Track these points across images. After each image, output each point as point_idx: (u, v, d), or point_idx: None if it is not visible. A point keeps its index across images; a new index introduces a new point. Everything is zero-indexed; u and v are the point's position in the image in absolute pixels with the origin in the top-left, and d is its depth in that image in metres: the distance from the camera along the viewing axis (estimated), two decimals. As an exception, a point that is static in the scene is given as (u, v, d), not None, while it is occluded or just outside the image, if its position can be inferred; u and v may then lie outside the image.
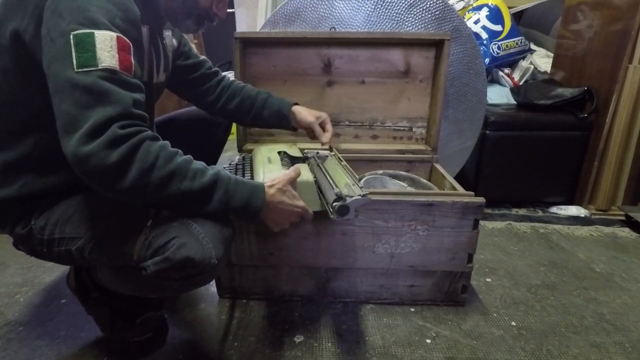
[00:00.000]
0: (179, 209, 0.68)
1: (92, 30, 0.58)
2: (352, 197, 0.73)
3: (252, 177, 0.92)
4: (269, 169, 0.90)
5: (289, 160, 1.01)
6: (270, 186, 0.74)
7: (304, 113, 1.07)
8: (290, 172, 0.80)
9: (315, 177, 0.89)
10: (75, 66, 0.57)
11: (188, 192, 0.63)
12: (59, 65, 0.57)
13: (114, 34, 0.59)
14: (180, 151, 0.66)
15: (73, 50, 0.57)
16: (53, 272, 1.19)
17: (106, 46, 0.58)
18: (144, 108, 0.64)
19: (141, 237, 0.67)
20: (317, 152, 1.08)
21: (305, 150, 1.11)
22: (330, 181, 0.84)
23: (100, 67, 0.58)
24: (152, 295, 0.80)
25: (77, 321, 0.97)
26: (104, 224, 0.71)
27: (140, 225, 0.68)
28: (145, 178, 0.60)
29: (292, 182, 0.79)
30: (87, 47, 0.57)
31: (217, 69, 1.09)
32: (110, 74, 0.59)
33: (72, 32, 0.57)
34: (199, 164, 0.66)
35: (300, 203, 0.79)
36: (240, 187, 0.69)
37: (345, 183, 0.83)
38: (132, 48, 0.63)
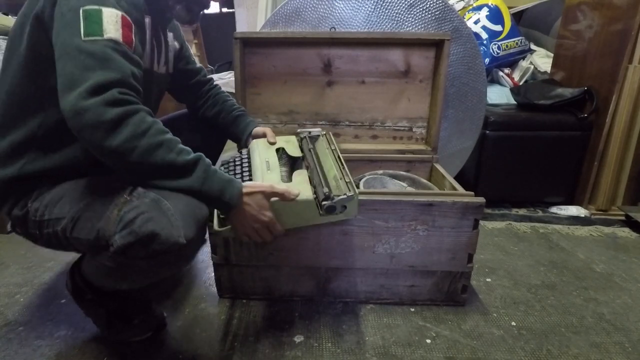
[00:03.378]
0: (157, 179, 0.69)
1: (100, 7, 0.65)
2: (338, 196, 0.80)
3: (250, 179, 0.92)
4: (269, 177, 0.89)
5: (288, 160, 1.01)
6: (244, 189, 0.76)
7: (260, 129, 1.11)
8: (276, 185, 0.80)
9: (310, 175, 0.90)
10: (82, 35, 0.63)
11: (171, 164, 0.67)
12: (66, 34, 0.63)
13: (119, 12, 0.66)
14: (169, 131, 0.69)
15: (81, 21, 0.63)
16: (53, 272, 1.19)
17: (112, 20, 0.65)
18: (140, 83, 0.69)
19: (114, 212, 0.68)
20: (309, 132, 1.09)
21: (298, 131, 1.11)
22: (321, 176, 0.88)
23: (105, 37, 0.64)
24: (128, 283, 0.80)
25: (77, 321, 0.97)
26: (84, 202, 0.72)
27: (115, 201, 0.69)
28: (135, 141, 0.63)
29: (268, 195, 0.78)
30: (94, 19, 0.63)
31: (211, 77, 1.16)
32: (114, 44, 0.64)
33: (82, 7, 0.63)
34: (185, 146, 0.70)
35: (268, 214, 0.78)
36: (218, 174, 0.73)
37: (333, 175, 0.87)
38: (134, 27, 0.69)
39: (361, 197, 0.92)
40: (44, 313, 1.01)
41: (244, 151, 1.05)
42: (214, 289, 1.07)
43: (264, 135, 1.08)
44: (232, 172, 0.96)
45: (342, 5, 1.36)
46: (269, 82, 1.31)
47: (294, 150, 1.04)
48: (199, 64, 1.13)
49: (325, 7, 1.36)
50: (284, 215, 0.81)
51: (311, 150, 1.00)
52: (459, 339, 0.93)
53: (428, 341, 0.92)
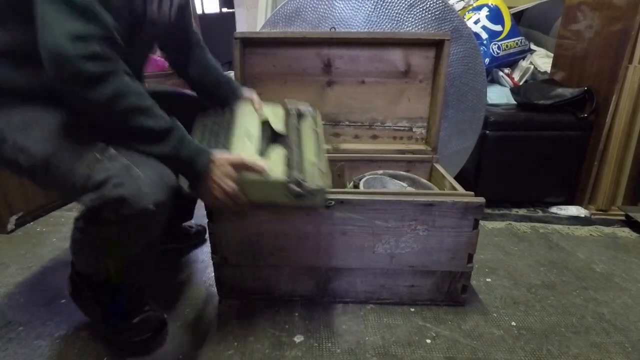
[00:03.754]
0: (131, 140, 0.71)
1: None
2: (309, 186, 0.82)
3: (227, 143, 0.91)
4: (246, 148, 0.89)
5: (270, 134, 0.99)
6: (212, 157, 0.78)
7: (247, 92, 1.09)
8: (245, 157, 0.80)
9: (288, 156, 0.90)
10: None
11: (148, 129, 0.70)
12: None
13: None
14: (146, 93, 0.70)
15: None
16: (53, 272, 1.19)
17: None
18: (120, 35, 0.68)
19: (84, 166, 0.68)
20: (299, 109, 1.08)
21: (288, 106, 1.11)
22: (298, 158, 0.89)
23: None
24: (111, 257, 0.80)
25: (77, 321, 0.97)
26: (56, 145, 0.71)
27: (85, 156, 0.69)
28: (112, 102, 0.65)
29: (236, 165, 0.79)
30: None
31: (203, 44, 1.11)
32: None
33: None
34: (161, 111, 0.72)
35: (231, 184, 0.79)
36: (192, 144, 0.75)
37: (310, 161, 0.88)
38: None
39: (361, 197, 0.92)
40: (44, 313, 1.01)
41: (227, 110, 1.02)
42: (214, 289, 1.07)
43: (250, 100, 1.06)
44: (208, 131, 0.94)
45: (342, 5, 1.36)
46: (269, 82, 1.31)
47: (278, 124, 1.02)
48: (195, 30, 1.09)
49: (325, 7, 1.36)
50: (252, 188, 0.83)
51: (296, 128, 1.00)
52: (459, 339, 0.93)
53: (428, 341, 0.92)
